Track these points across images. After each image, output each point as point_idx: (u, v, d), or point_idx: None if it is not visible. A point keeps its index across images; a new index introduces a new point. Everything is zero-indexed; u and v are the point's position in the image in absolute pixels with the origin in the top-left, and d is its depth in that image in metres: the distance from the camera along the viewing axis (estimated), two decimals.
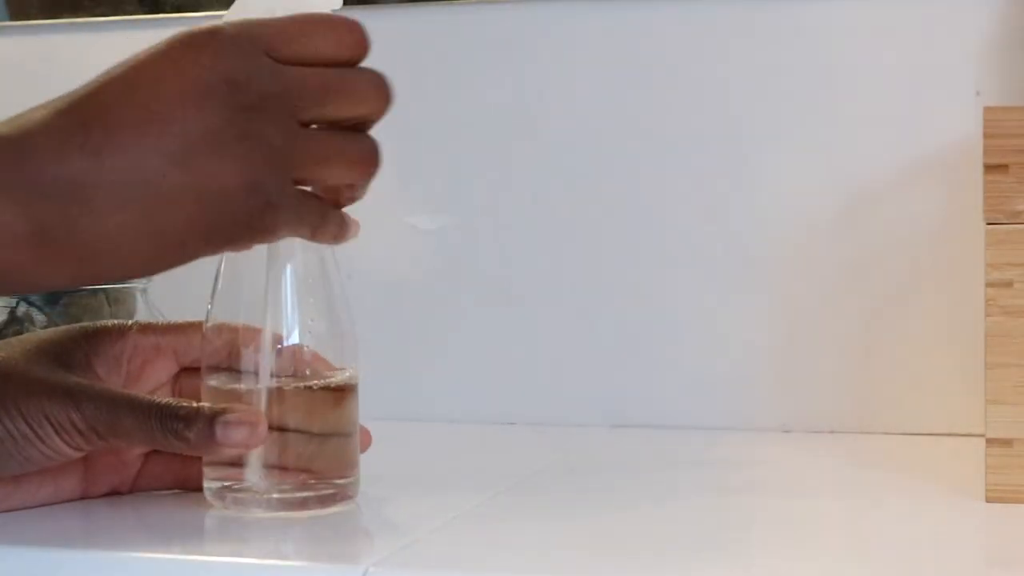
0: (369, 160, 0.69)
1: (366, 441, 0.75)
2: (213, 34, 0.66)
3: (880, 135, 0.95)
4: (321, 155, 0.67)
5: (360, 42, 0.69)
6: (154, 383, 0.75)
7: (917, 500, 0.76)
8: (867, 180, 0.95)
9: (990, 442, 0.73)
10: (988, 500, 0.73)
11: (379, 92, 0.69)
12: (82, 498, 0.75)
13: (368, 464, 0.75)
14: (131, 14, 1.09)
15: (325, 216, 0.69)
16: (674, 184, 0.98)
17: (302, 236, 0.69)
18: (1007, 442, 0.73)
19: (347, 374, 0.73)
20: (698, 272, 0.98)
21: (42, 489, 0.73)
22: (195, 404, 0.70)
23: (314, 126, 0.68)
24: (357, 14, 1.04)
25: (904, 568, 0.64)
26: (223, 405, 0.70)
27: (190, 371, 0.75)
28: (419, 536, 0.69)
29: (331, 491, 0.72)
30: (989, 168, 0.73)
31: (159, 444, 0.70)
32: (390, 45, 1.03)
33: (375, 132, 0.70)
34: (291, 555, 0.68)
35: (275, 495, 0.71)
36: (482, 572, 0.64)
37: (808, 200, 0.96)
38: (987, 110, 0.74)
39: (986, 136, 0.73)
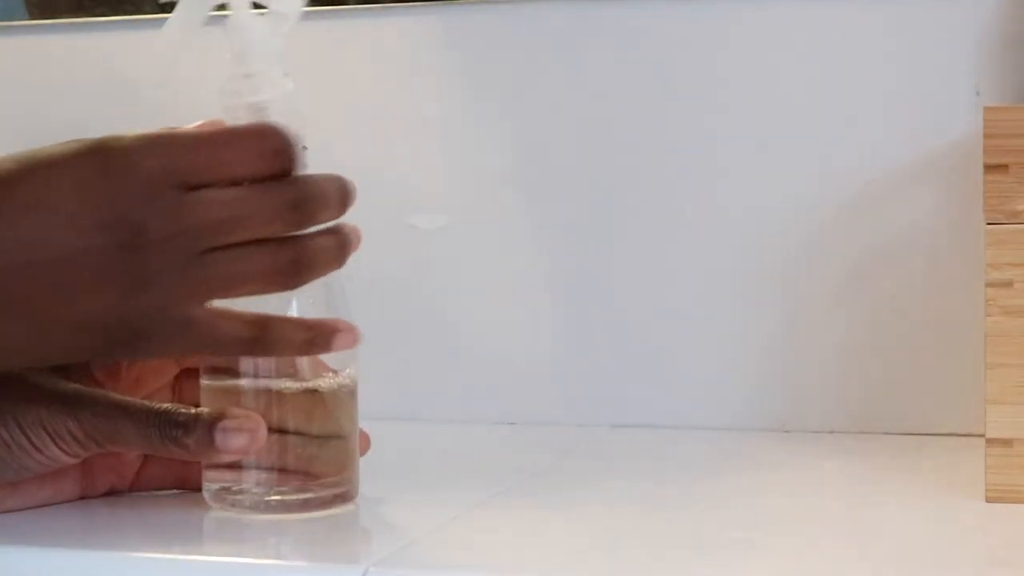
0: (284, 271, 0.66)
1: (365, 444, 0.75)
2: (126, 159, 0.64)
3: (880, 135, 0.95)
4: (222, 280, 0.65)
5: (282, 160, 0.66)
6: (154, 385, 0.75)
7: (917, 500, 0.76)
8: (867, 180, 0.95)
9: (990, 442, 0.73)
10: (988, 500, 0.73)
11: (297, 209, 0.66)
12: (81, 498, 0.75)
13: (368, 464, 0.75)
14: (131, 14, 1.09)
15: (263, 342, 0.67)
16: (674, 184, 0.98)
17: (229, 356, 0.68)
18: (1007, 442, 0.73)
19: (346, 375, 0.73)
20: (698, 272, 0.98)
21: (41, 491, 0.73)
22: (194, 410, 0.70)
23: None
24: (360, 14, 1.05)
25: (904, 568, 0.64)
26: (221, 410, 0.70)
27: (190, 373, 0.75)
28: (419, 536, 0.69)
29: (330, 493, 0.72)
30: (989, 168, 0.73)
31: (158, 451, 0.70)
32: (391, 45, 1.04)
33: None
34: (291, 555, 0.68)
35: (274, 497, 0.71)
36: (482, 572, 0.64)
37: (808, 200, 0.96)
38: (987, 110, 0.74)
39: (986, 136, 0.73)
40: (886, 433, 0.95)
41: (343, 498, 0.72)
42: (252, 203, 0.65)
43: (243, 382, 0.71)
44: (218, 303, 0.67)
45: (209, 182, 0.64)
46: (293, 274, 0.66)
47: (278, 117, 0.68)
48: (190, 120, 0.70)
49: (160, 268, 0.64)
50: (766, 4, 0.97)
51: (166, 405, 0.70)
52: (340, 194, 0.67)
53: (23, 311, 0.64)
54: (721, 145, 0.98)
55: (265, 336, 0.67)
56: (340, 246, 0.68)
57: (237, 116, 0.69)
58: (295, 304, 0.70)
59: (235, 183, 0.65)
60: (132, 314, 0.65)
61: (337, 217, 0.68)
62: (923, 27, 0.94)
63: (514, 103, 1.01)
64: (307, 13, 0.71)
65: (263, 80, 0.69)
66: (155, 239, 0.64)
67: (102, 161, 0.64)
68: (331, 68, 1.02)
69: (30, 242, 0.64)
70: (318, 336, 0.68)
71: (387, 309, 1.02)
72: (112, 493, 0.76)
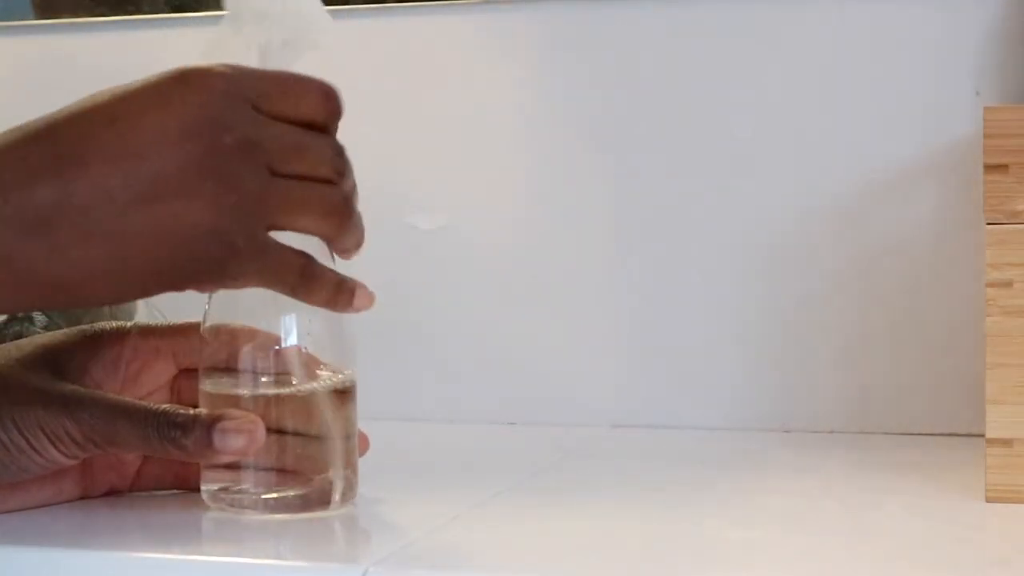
0: (339, 211, 0.68)
1: (364, 446, 0.75)
2: (206, 75, 0.66)
3: (880, 135, 0.95)
4: (293, 204, 0.67)
5: (335, 110, 0.69)
6: (152, 386, 0.75)
7: (917, 500, 0.76)
8: (867, 180, 0.95)
9: (990, 442, 0.73)
10: (988, 500, 0.73)
11: (341, 157, 0.69)
12: (81, 498, 0.75)
13: (368, 464, 0.75)
14: (131, 14, 1.09)
15: (309, 277, 0.68)
16: (674, 185, 0.98)
17: (277, 291, 0.68)
18: (1007, 442, 0.73)
19: (345, 376, 0.73)
20: (698, 272, 0.98)
21: (41, 491, 0.73)
22: (192, 411, 0.70)
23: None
24: (362, 16, 1.05)
25: (904, 568, 0.64)
26: (220, 411, 0.69)
27: (189, 373, 0.75)
28: (419, 536, 0.69)
29: (329, 494, 0.72)
30: (989, 168, 0.73)
31: (156, 451, 0.70)
32: (392, 45, 1.04)
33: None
34: (291, 555, 0.68)
35: (272, 497, 0.71)
36: (482, 572, 0.64)
37: (808, 200, 0.96)
38: (987, 110, 0.74)
39: (986, 136, 0.73)
40: (886, 433, 0.95)
41: (342, 499, 0.72)
42: (312, 140, 0.68)
43: (242, 383, 0.71)
44: None
45: (276, 111, 0.67)
46: (344, 215, 0.69)
47: None
48: None
49: (242, 176, 0.65)
50: (766, 4, 0.97)
51: (164, 406, 0.70)
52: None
53: (116, 230, 0.64)
54: (721, 145, 0.98)
55: (309, 271, 0.68)
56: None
57: None
58: (291, 303, 0.70)
59: (293, 121, 0.67)
60: (219, 225, 0.65)
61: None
62: (923, 27, 0.94)
63: (514, 103, 1.01)
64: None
65: None
66: (236, 144, 0.65)
67: (182, 78, 0.66)
68: (331, 68, 1.02)
69: (122, 157, 0.64)
70: (344, 289, 0.69)
71: (387, 309, 1.01)
72: (112, 493, 0.76)
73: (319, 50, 0.71)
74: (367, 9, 1.04)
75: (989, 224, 0.73)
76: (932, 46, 0.94)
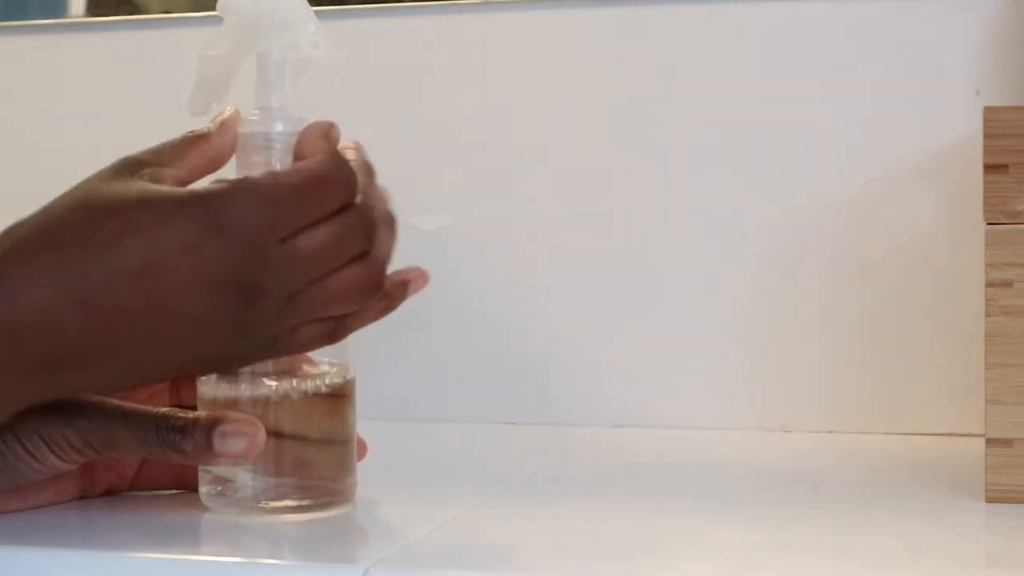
0: (371, 283, 0.69)
1: (362, 451, 0.75)
2: (230, 225, 0.65)
3: (880, 135, 0.95)
4: (325, 305, 0.68)
5: (350, 185, 0.68)
6: (152, 389, 0.75)
7: (917, 500, 0.76)
8: (867, 180, 0.95)
9: (990, 442, 0.73)
10: (988, 500, 0.73)
11: (366, 227, 0.69)
12: (81, 498, 0.75)
13: (367, 464, 0.75)
14: (131, 14, 1.09)
15: (343, 330, 0.70)
16: (674, 185, 0.98)
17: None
18: (1007, 442, 0.73)
19: (343, 378, 0.73)
20: (698, 272, 0.98)
21: (42, 492, 0.73)
22: (191, 414, 0.69)
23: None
24: (365, 14, 1.05)
25: (904, 568, 0.64)
26: (219, 414, 0.69)
27: (190, 376, 0.75)
28: (419, 536, 0.69)
29: (328, 498, 0.72)
30: (989, 168, 0.73)
31: (156, 456, 0.70)
32: (393, 46, 1.04)
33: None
34: (291, 555, 0.68)
35: (271, 502, 0.71)
36: (482, 572, 0.64)
37: (808, 200, 0.96)
38: (987, 110, 0.74)
39: (986, 136, 0.73)
40: (886, 433, 0.95)
41: (340, 501, 0.72)
42: (336, 236, 0.67)
43: (241, 385, 0.71)
44: None
45: (299, 229, 0.66)
46: (376, 285, 0.70)
47: (288, 151, 0.70)
48: (193, 122, 0.70)
49: (270, 316, 0.66)
50: (766, 4, 0.97)
51: (163, 410, 0.70)
52: (385, 201, 0.71)
53: (129, 357, 0.66)
54: (721, 145, 0.98)
55: (341, 329, 0.70)
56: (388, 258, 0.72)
57: (250, 145, 0.70)
58: None
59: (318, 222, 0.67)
60: (238, 351, 0.68)
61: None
62: (923, 27, 0.94)
63: (514, 103, 1.01)
64: (315, 15, 0.71)
65: (279, 115, 0.71)
66: (268, 295, 0.66)
67: (205, 221, 0.64)
68: (331, 68, 1.02)
69: (144, 302, 0.64)
70: (392, 296, 0.72)
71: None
72: (110, 492, 0.76)
73: (318, 65, 0.71)
74: (367, 9, 1.04)
75: (989, 224, 0.73)
76: (932, 46, 0.94)
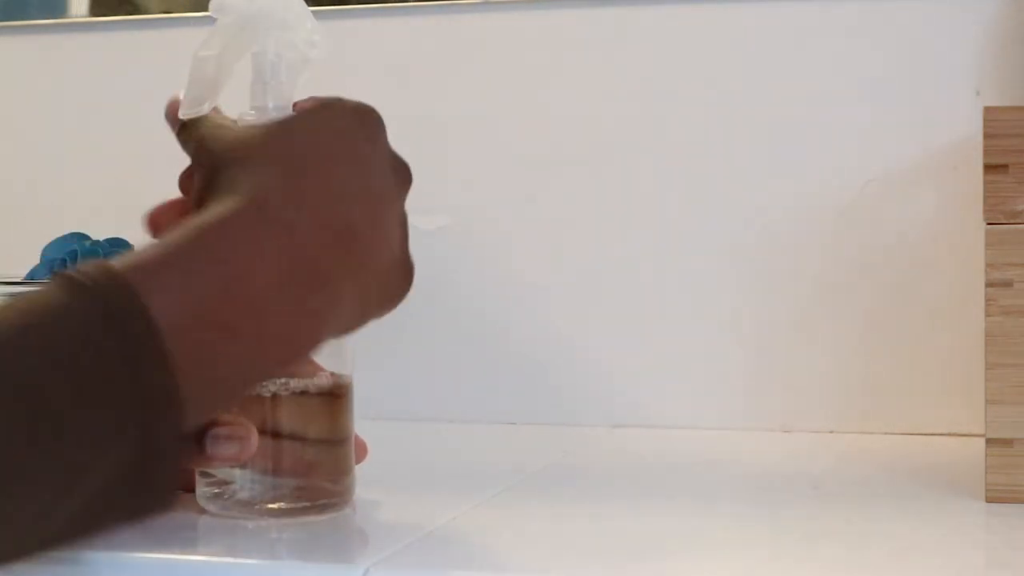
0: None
1: (362, 453, 0.74)
2: (369, 112, 0.69)
3: (880, 135, 0.95)
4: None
5: None
6: None
7: (917, 500, 0.76)
8: (867, 180, 0.95)
9: (990, 442, 0.73)
10: (988, 500, 0.73)
11: None
12: None
13: (368, 464, 0.75)
14: (131, 14, 1.09)
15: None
16: (674, 185, 0.98)
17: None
18: (1007, 442, 0.73)
19: (341, 378, 0.72)
20: (698, 272, 0.98)
21: None
22: None
23: None
24: (364, 14, 1.05)
25: (904, 568, 0.64)
26: (213, 417, 0.69)
27: None
28: (419, 536, 0.69)
29: (325, 500, 0.71)
30: (989, 168, 0.73)
31: None
32: (393, 46, 1.04)
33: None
34: (291, 556, 0.68)
35: (268, 503, 0.71)
36: (482, 572, 0.64)
37: (808, 200, 0.96)
38: (987, 110, 0.74)
39: (986, 136, 0.73)
40: (886, 433, 0.95)
41: (338, 503, 0.72)
42: None
43: None
44: None
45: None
46: None
47: None
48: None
49: (402, 203, 0.70)
50: (766, 4, 0.97)
51: None
52: None
53: (370, 260, 0.66)
54: (721, 145, 0.98)
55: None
56: None
57: None
58: None
59: None
60: (406, 248, 0.70)
61: None
62: (923, 27, 0.94)
63: (514, 103, 1.01)
64: (312, 14, 0.71)
65: (275, 114, 0.71)
66: (402, 174, 0.70)
67: (360, 118, 0.68)
68: (331, 68, 1.02)
69: (359, 190, 0.66)
70: None
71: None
72: None
73: (314, 64, 0.71)
74: (367, 9, 1.04)
75: (989, 224, 0.73)
76: (932, 46, 0.94)
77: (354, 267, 0.65)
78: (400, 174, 0.70)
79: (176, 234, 0.61)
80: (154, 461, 0.57)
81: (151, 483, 0.58)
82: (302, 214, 0.63)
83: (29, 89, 1.11)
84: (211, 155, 0.66)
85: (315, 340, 0.64)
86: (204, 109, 0.69)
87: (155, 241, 0.61)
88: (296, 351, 0.64)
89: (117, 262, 0.59)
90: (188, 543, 0.70)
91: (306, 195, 0.64)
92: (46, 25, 1.11)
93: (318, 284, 0.63)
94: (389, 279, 0.68)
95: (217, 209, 0.62)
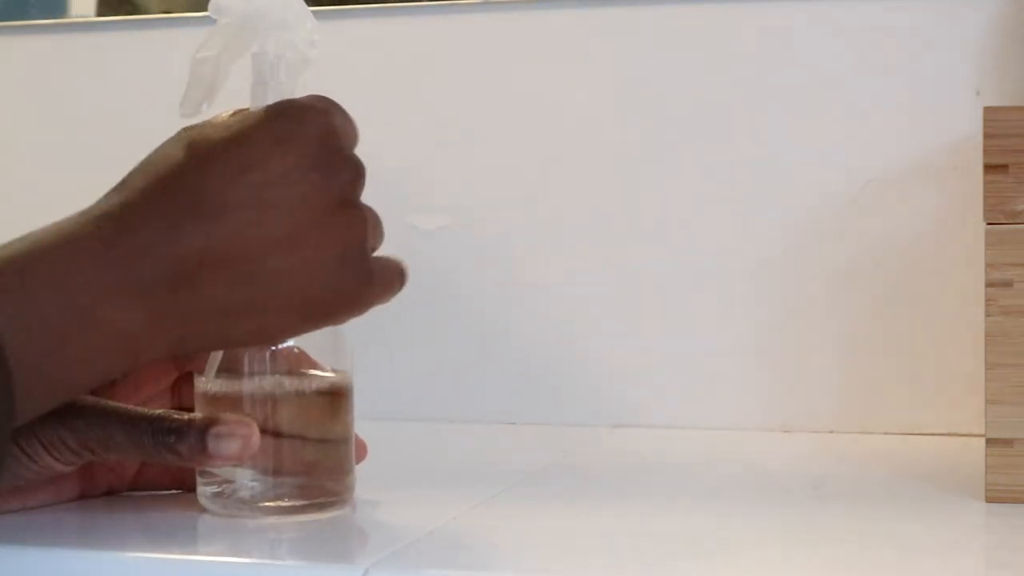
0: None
1: (362, 453, 0.74)
2: (309, 109, 0.68)
3: (880, 135, 0.95)
4: (378, 223, 0.71)
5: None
6: (153, 390, 0.75)
7: (917, 500, 0.76)
8: (867, 180, 0.95)
9: (990, 442, 0.73)
10: (988, 500, 0.73)
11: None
12: (80, 498, 0.75)
13: (367, 464, 0.75)
14: (131, 14, 1.09)
15: (403, 277, 0.72)
16: (674, 185, 0.98)
17: (384, 302, 0.71)
18: (1007, 442, 0.73)
19: (341, 378, 0.72)
20: (698, 272, 0.98)
21: (41, 492, 0.73)
22: (187, 416, 0.69)
23: None
24: (364, 14, 1.05)
25: (904, 568, 0.64)
26: (214, 415, 0.69)
27: (189, 376, 0.75)
28: (419, 536, 0.69)
29: (325, 499, 0.71)
30: (989, 168, 0.73)
31: (152, 458, 0.70)
32: (392, 45, 1.04)
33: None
34: (290, 555, 0.68)
35: (268, 502, 0.71)
36: (482, 572, 0.64)
37: (808, 200, 0.96)
38: (987, 110, 0.74)
39: (986, 136, 0.73)
40: (886, 433, 0.95)
41: (339, 502, 0.72)
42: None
43: (238, 385, 0.70)
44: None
45: (351, 142, 0.70)
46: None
47: None
48: (186, 123, 0.70)
49: (358, 204, 0.69)
50: (767, 4, 0.97)
51: (159, 412, 0.70)
52: None
53: (261, 273, 0.66)
54: (721, 145, 0.98)
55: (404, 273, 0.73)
56: None
57: None
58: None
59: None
60: (352, 254, 0.68)
61: None
62: (923, 27, 0.94)
63: (514, 103, 1.01)
64: (312, 14, 0.71)
65: None
66: (349, 173, 0.69)
67: (295, 115, 0.68)
68: (332, 68, 1.02)
69: (258, 203, 0.66)
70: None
71: (387, 309, 1.02)
72: (111, 492, 0.76)
73: (313, 64, 0.71)
74: (367, 9, 1.04)
75: (989, 224, 0.73)
76: (932, 46, 0.94)
77: (213, 279, 0.65)
78: (338, 175, 0.69)
79: (21, 242, 0.64)
80: None
81: None
82: (139, 228, 0.65)
83: (29, 89, 1.11)
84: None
85: (151, 349, 0.66)
86: (202, 110, 0.70)
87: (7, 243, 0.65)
88: (130, 357, 0.66)
89: None
90: (188, 543, 0.70)
91: (154, 208, 0.65)
92: (46, 25, 1.11)
93: (147, 296, 0.64)
94: (314, 286, 0.68)
95: (68, 218, 0.66)
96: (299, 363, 0.72)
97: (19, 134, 1.11)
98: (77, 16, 1.11)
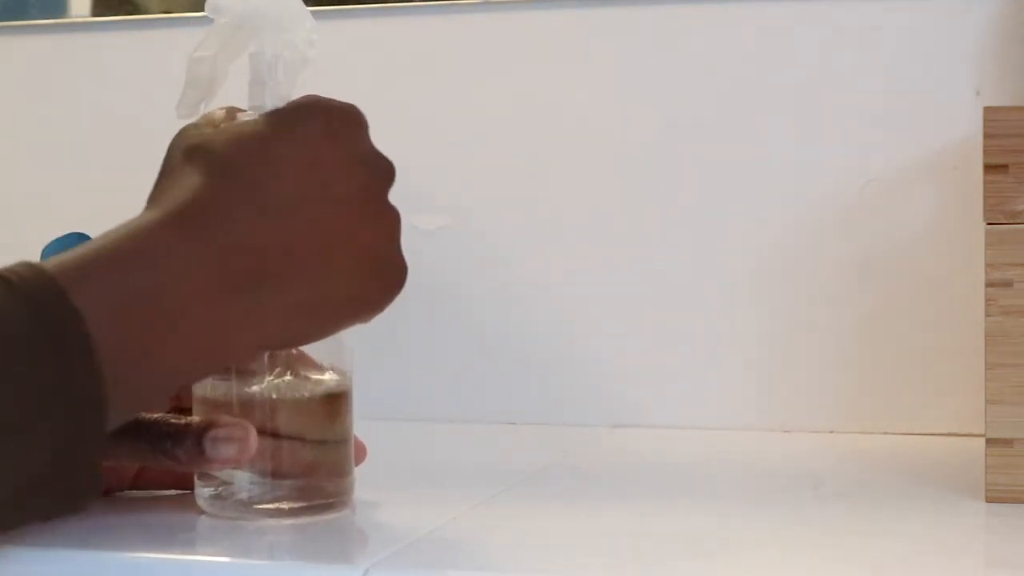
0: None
1: (361, 455, 0.74)
2: (348, 110, 0.69)
3: (880, 135, 0.95)
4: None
5: None
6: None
7: (917, 500, 0.76)
8: (867, 180, 0.95)
9: (990, 442, 0.73)
10: (988, 500, 0.73)
11: None
12: None
13: (367, 464, 0.75)
14: (131, 14, 1.09)
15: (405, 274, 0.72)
16: (674, 185, 0.98)
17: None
18: (1007, 442, 0.73)
19: (340, 379, 0.72)
20: (698, 272, 0.98)
21: None
22: (184, 419, 0.69)
23: None
24: (364, 14, 1.05)
25: (904, 568, 0.64)
26: (211, 419, 0.69)
27: None
28: (419, 536, 0.69)
29: (323, 501, 0.71)
30: (989, 168, 0.73)
31: (150, 463, 0.70)
32: (392, 45, 1.04)
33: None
34: (290, 556, 0.68)
35: (267, 504, 0.70)
36: (482, 572, 0.64)
37: (808, 200, 0.96)
38: (987, 110, 0.74)
39: (986, 136, 0.73)
40: (886, 433, 0.95)
41: (337, 504, 0.72)
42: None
43: (235, 386, 0.70)
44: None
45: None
46: None
47: None
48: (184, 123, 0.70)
49: (388, 200, 0.69)
50: (767, 4, 0.97)
51: (156, 416, 0.69)
52: None
53: (316, 270, 0.66)
54: (721, 145, 0.98)
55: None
56: None
57: None
58: None
59: None
60: (394, 249, 0.69)
61: None
62: (923, 27, 0.94)
63: (514, 103, 1.01)
64: (310, 13, 0.71)
65: None
66: (384, 170, 0.69)
67: (327, 118, 0.68)
68: (332, 68, 1.02)
69: (313, 200, 0.66)
70: None
71: (387, 309, 1.02)
72: (109, 492, 0.76)
73: (312, 64, 0.71)
74: (367, 9, 1.04)
75: (989, 224, 0.73)
76: (932, 46, 0.94)
77: (293, 275, 0.65)
78: (380, 172, 0.69)
79: (103, 240, 0.63)
80: (74, 458, 0.59)
81: (69, 481, 0.60)
82: (222, 225, 0.64)
83: (29, 89, 1.11)
84: (168, 157, 0.68)
85: (240, 348, 0.66)
86: (200, 110, 0.70)
87: (84, 246, 0.63)
88: (220, 358, 0.66)
89: (47, 263, 0.61)
90: (188, 543, 0.70)
91: (231, 205, 0.65)
92: (46, 25, 1.11)
93: (237, 294, 0.64)
94: (364, 281, 0.68)
95: (141, 218, 0.64)
96: (298, 364, 0.72)
97: (19, 134, 1.11)
98: (77, 16, 1.11)
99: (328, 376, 0.72)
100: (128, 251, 0.63)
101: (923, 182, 0.94)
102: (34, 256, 0.94)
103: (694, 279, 0.98)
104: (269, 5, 0.70)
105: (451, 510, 0.73)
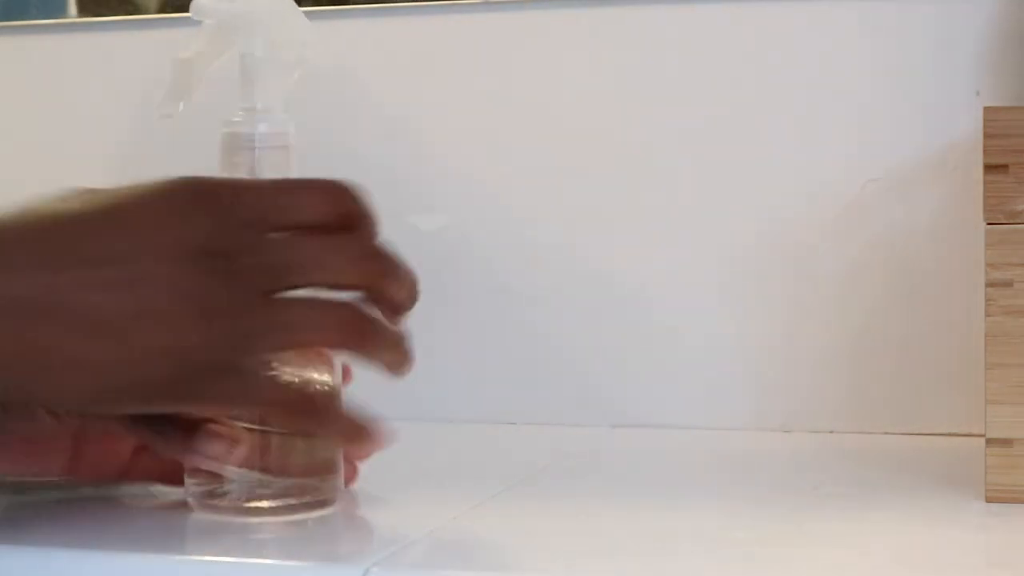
0: (356, 323, 0.67)
1: (347, 379, 0.73)
2: (208, 195, 0.65)
3: (880, 135, 0.95)
4: (294, 326, 0.65)
5: (350, 208, 0.67)
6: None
7: (917, 500, 0.76)
8: (867, 180, 0.95)
9: (990, 442, 0.73)
10: (988, 500, 0.73)
11: (365, 263, 0.67)
12: (66, 474, 0.74)
13: (368, 464, 0.75)
14: (131, 14, 1.09)
15: (294, 402, 0.68)
16: (674, 185, 0.98)
17: (261, 414, 0.68)
18: (1007, 442, 0.73)
19: (331, 377, 0.72)
20: (698, 271, 0.98)
21: (28, 459, 0.72)
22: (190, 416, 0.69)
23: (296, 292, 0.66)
24: (360, 15, 1.05)
25: (904, 569, 0.64)
26: (211, 418, 0.69)
27: None
28: (419, 536, 0.69)
29: (313, 498, 0.71)
30: (989, 168, 0.73)
31: (139, 432, 0.70)
32: (392, 45, 1.04)
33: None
34: (290, 555, 0.68)
35: (256, 502, 0.70)
36: (482, 572, 0.64)
37: (808, 200, 0.96)
38: (987, 110, 0.74)
39: (986, 136, 0.73)
40: (886, 433, 0.95)
41: (328, 502, 0.72)
42: (332, 248, 0.66)
43: None
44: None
45: (290, 226, 0.65)
46: (364, 326, 0.67)
47: (270, 152, 0.71)
48: (194, 122, 0.70)
49: (238, 300, 0.64)
50: (766, 4, 0.97)
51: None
52: (412, 280, 0.69)
53: (102, 330, 0.63)
54: (721, 145, 0.98)
55: (308, 408, 0.68)
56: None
57: (232, 145, 0.71)
58: None
59: (312, 230, 0.66)
60: (201, 344, 0.63)
61: (406, 295, 0.70)
62: (923, 27, 0.94)
63: (514, 103, 1.01)
64: (311, 13, 0.71)
65: (263, 116, 0.71)
66: (237, 270, 0.63)
67: (193, 196, 0.64)
68: (332, 68, 1.02)
69: (118, 261, 0.63)
70: (362, 434, 0.69)
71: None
72: (102, 478, 0.75)
73: (305, 65, 0.71)
74: (367, 9, 1.04)
75: (989, 224, 0.73)
76: (932, 46, 0.94)
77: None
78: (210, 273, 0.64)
79: None
80: None
81: None
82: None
83: (29, 89, 1.11)
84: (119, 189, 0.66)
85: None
86: (179, 109, 0.70)
87: None
88: None
89: None
90: (187, 543, 0.70)
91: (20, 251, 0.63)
92: (46, 25, 1.11)
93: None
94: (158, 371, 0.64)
95: None
96: (293, 363, 0.71)
97: (19, 134, 1.11)
98: (77, 16, 1.11)
99: (319, 372, 0.72)
100: None
101: (923, 182, 0.94)
102: None
103: (694, 279, 0.98)
104: (254, 6, 0.70)
105: (451, 510, 0.73)
